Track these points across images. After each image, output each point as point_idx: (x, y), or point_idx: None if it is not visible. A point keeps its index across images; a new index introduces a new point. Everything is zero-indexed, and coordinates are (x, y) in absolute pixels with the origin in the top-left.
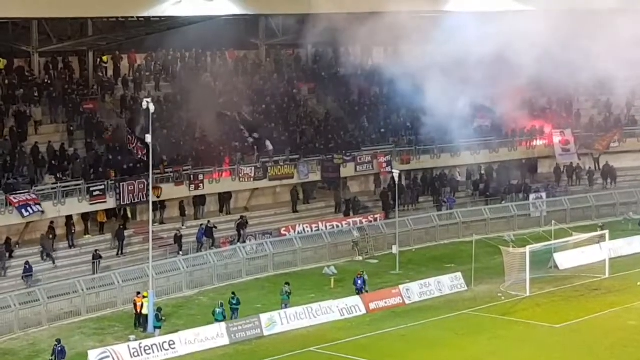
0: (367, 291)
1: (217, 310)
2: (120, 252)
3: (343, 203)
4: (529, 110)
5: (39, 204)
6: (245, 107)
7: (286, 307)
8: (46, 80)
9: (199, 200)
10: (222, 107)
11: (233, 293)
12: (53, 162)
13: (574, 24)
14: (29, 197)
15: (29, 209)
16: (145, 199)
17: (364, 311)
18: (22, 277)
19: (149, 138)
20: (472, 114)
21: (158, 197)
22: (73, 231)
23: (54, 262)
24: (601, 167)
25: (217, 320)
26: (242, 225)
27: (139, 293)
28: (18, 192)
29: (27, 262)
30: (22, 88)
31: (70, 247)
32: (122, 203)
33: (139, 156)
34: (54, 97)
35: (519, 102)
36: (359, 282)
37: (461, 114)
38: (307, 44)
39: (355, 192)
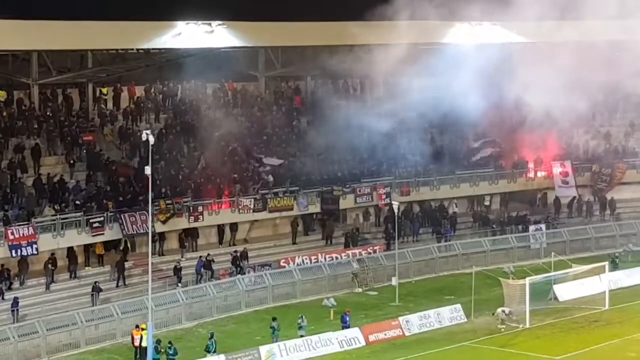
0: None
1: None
2: (119, 284)
3: (342, 235)
4: (529, 141)
5: (35, 243)
6: (246, 139)
7: (276, 341)
8: (46, 112)
9: (195, 232)
10: (221, 138)
11: (170, 342)
12: (54, 193)
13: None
14: (25, 234)
15: (19, 250)
16: (147, 230)
17: (363, 343)
18: (11, 311)
19: (148, 170)
20: (473, 146)
21: (164, 222)
22: (74, 262)
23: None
24: (598, 198)
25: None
26: (238, 258)
27: (137, 326)
28: (17, 223)
29: (15, 297)
30: (21, 120)
31: (70, 278)
32: (127, 233)
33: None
34: (53, 129)
35: (519, 134)
36: (347, 318)
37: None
38: (306, 75)
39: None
